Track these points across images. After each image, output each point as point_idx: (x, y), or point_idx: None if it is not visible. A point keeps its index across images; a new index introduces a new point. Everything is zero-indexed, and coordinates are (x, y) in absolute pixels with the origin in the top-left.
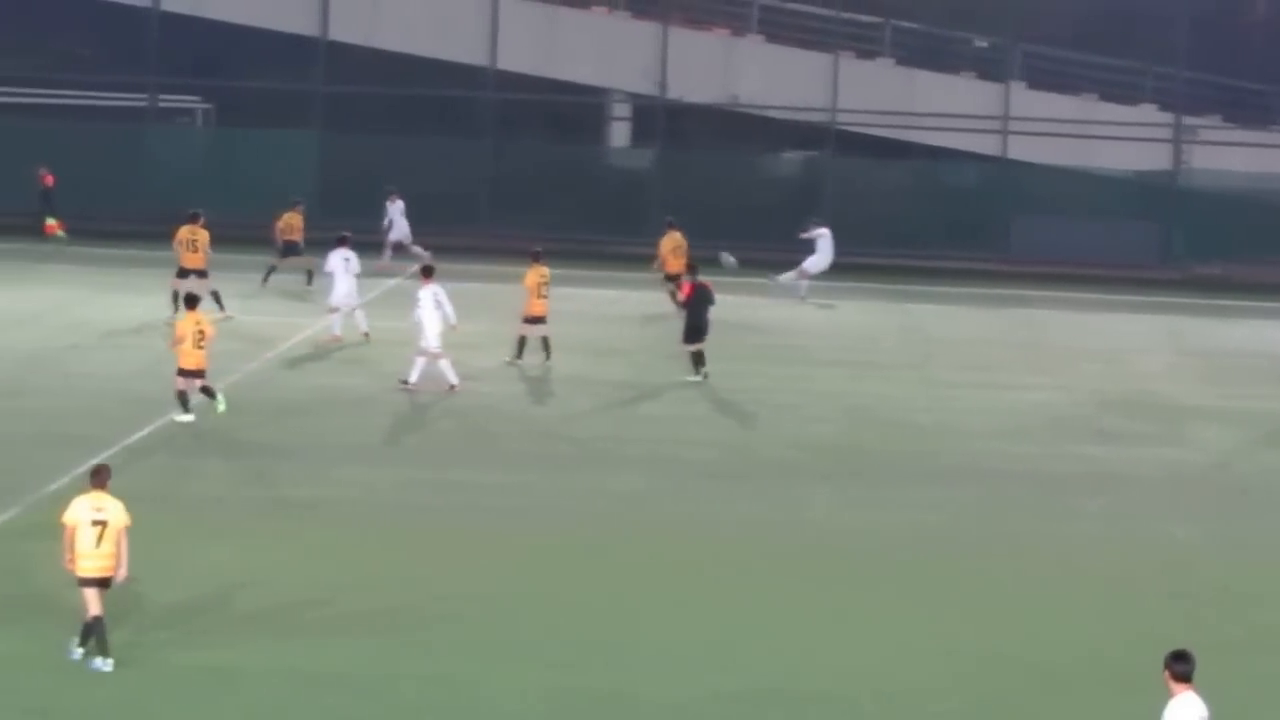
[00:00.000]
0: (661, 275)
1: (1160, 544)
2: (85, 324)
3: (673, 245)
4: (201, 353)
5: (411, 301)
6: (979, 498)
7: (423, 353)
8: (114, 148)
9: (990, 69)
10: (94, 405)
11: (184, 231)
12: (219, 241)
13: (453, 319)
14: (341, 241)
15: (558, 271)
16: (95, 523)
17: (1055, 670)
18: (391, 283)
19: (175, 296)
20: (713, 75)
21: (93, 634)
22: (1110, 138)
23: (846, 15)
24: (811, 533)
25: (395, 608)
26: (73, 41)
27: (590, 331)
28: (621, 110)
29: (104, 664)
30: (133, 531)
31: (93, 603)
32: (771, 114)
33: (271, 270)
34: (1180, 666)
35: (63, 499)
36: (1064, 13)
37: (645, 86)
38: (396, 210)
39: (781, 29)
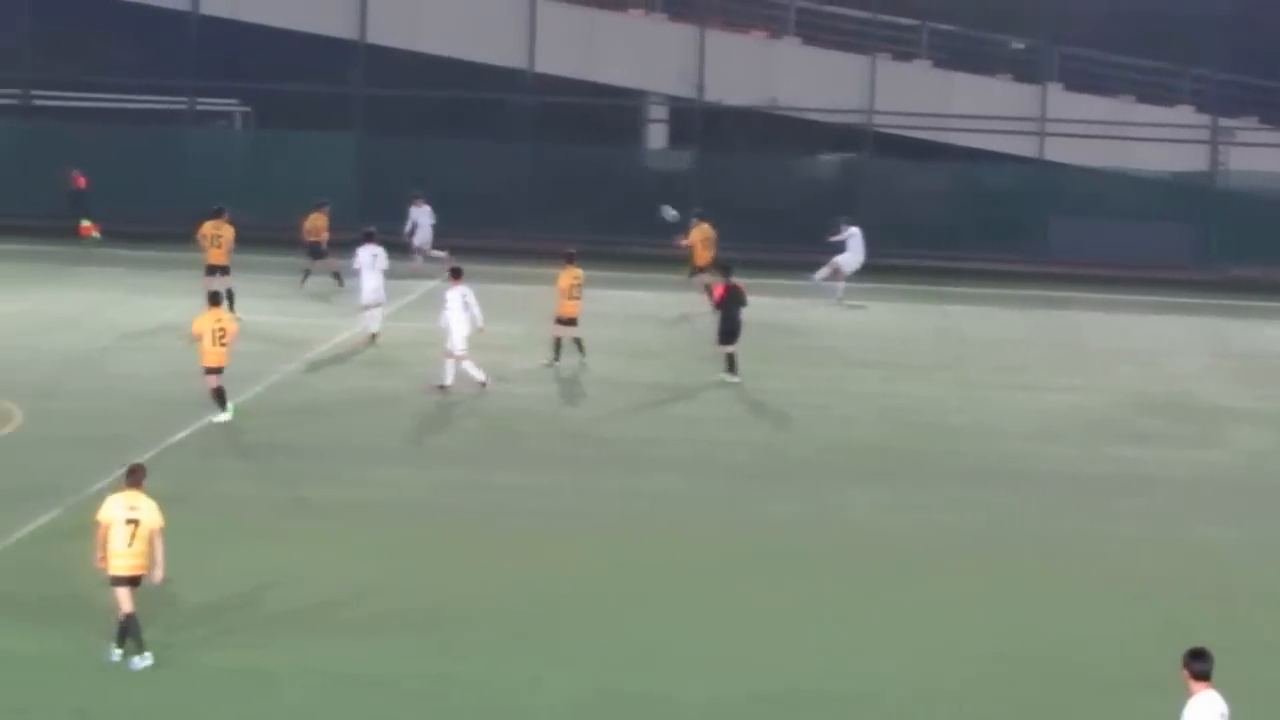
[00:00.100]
0: (690, 267)
1: (1195, 545)
2: (123, 326)
3: (703, 237)
4: (222, 350)
5: (439, 303)
6: (1014, 499)
7: (450, 354)
8: (152, 151)
9: (1027, 71)
10: (132, 407)
11: (209, 227)
12: (257, 244)
13: (480, 321)
14: (368, 238)
15: (596, 274)
16: (129, 521)
17: (1090, 671)
18: (429, 284)
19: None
20: (750, 77)
21: (128, 633)
22: (1147, 139)
23: (883, 17)
24: (846, 534)
25: (431, 609)
26: (112, 45)
27: (626, 333)
28: (659, 113)
29: (141, 661)
30: (167, 532)
31: (124, 601)
32: (809, 116)
33: (307, 274)
34: (1199, 665)
35: (102, 500)
36: (1100, 14)
37: (682, 89)
38: (422, 214)
39: (819, 31)
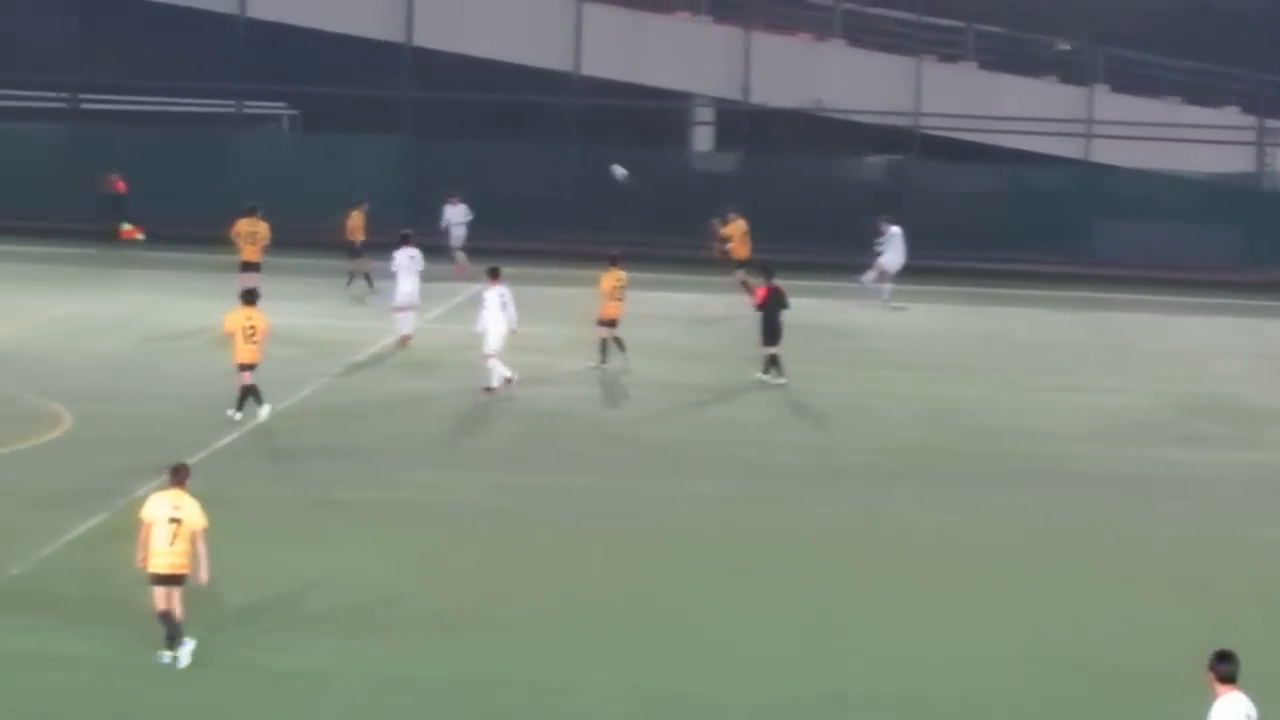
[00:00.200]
0: (720, 256)
1: (1244, 546)
2: (170, 329)
3: (740, 231)
4: (254, 347)
5: (478, 303)
6: (1061, 501)
7: (492, 355)
8: (200, 154)
9: (1073, 72)
10: (178, 410)
11: (243, 224)
12: (303, 247)
13: (514, 322)
14: (405, 240)
15: (642, 276)
16: (171, 520)
17: (1139, 673)
18: (476, 288)
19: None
20: (796, 80)
21: (169, 632)
22: (1193, 140)
23: (929, 19)
24: (893, 536)
25: (473, 610)
26: (160, 49)
27: (670, 335)
28: (704, 115)
29: (165, 657)
30: (212, 533)
31: (159, 599)
32: (854, 118)
33: (351, 276)
34: (1224, 667)
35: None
36: (1147, 15)
37: (728, 91)
38: (457, 213)
39: (864, 33)
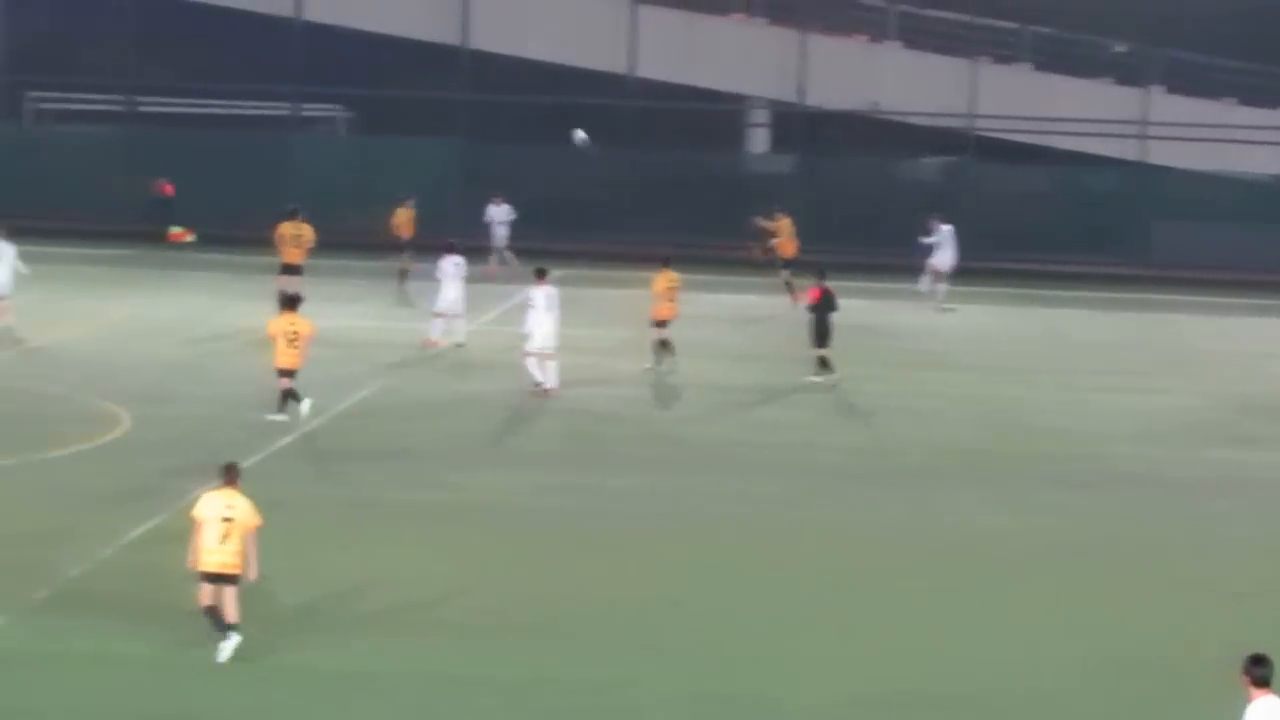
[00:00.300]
0: (761, 256)
1: None
2: (226, 331)
3: (788, 231)
4: (295, 352)
5: (525, 304)
6: (1117, 502)
7: (533, 354)
8: (256, 156)
9: (1128, 73)
10: (235, 411)
11: (287, 227)
12: (359, 249)
13: (556, 324)
14: (450, 248)
15: (698, 278)
16: (224, 519)
17: (1194, 674)
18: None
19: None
20: (851, 81)
21: (217, 628)
22: (1250, 141)
23: (985, 21)
24: (948, 537)
25: (528, 611)
26: (216, 52)
27: (722, 336)
28: (760, 117)
29: (226, 646)
30: (267, 535)
31: (206, 595)
32: (910, 120)
33: (408, 272)
34: (1258, 670)
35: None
36: (1203, 16)
37: (784, 93)
38: (500, 213)
39: (920, 35)
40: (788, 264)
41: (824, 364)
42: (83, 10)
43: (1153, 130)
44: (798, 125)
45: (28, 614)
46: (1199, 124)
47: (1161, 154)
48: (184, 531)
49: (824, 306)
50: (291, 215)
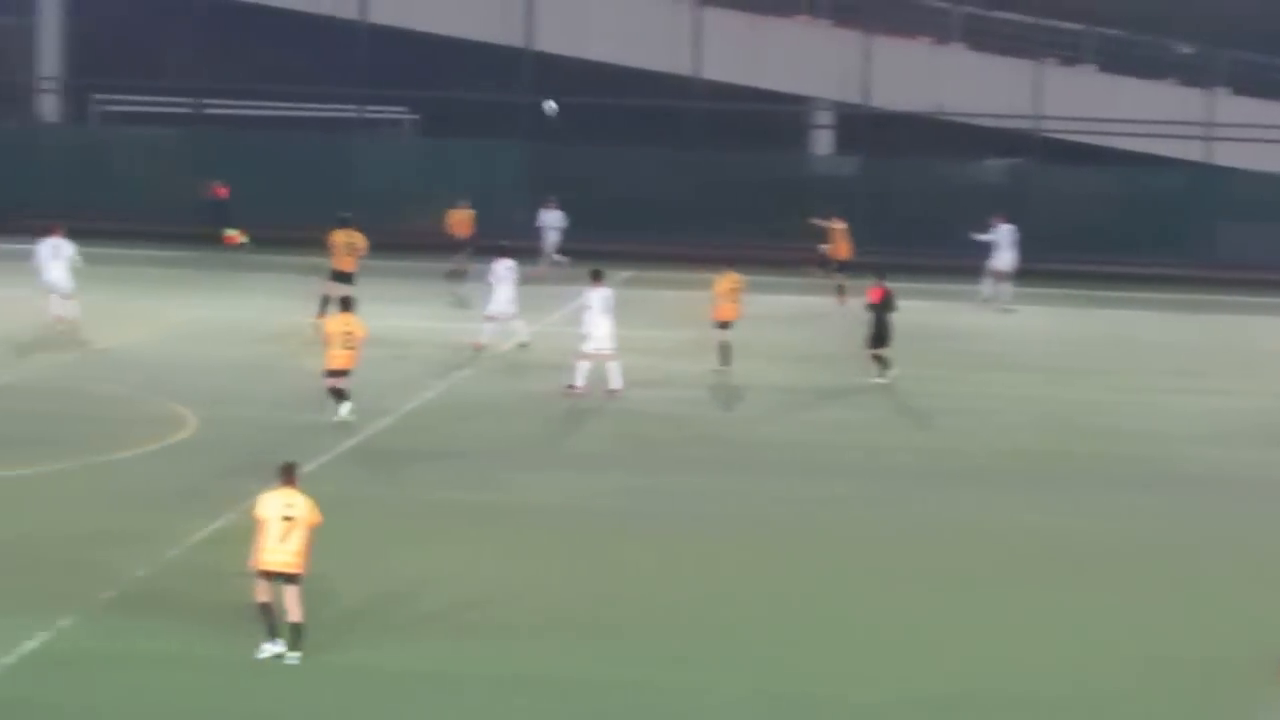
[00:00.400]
0: (822, 258)
1: None
2: (291, 332)
3: (841, 233)
4: (349, 353)
5: (581, 306)
6: (1183, 502)
7: (586, 356)
8: (322, 158)
9: (1193, 75)
10: (299, 413)
11: (341, 235)
12: (423, 250)
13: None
14: (503, 252)
15: (762, 279)
16: (285, 518)
17: (1256, 674)
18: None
19: (325, 301)
20: (916, 83)
21: (273, 627)
22: None
23: (1049, 22)
24: (1008, 537)
25: (588, 611)
26: (282, 54)
27: (782, 336)
28: (824, 118)
29: (271, 648)
30: (330, 535)
31: (262, 592)
32: (975, 121)
33: (463, 274)
34: None
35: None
36: (1268, 16)
37: (848, 95)
38: (552, 218)
39: (984, 36)
40: (842, 267)
41: (882, 362)
42: (149, 13)
43: (1217, 131)
44: (861, 127)
45: (95, 614)
46: (1264, 125)
47: (1226, 155)
48: (249, 532)
49: (884, 306)
50: (344, 223)
